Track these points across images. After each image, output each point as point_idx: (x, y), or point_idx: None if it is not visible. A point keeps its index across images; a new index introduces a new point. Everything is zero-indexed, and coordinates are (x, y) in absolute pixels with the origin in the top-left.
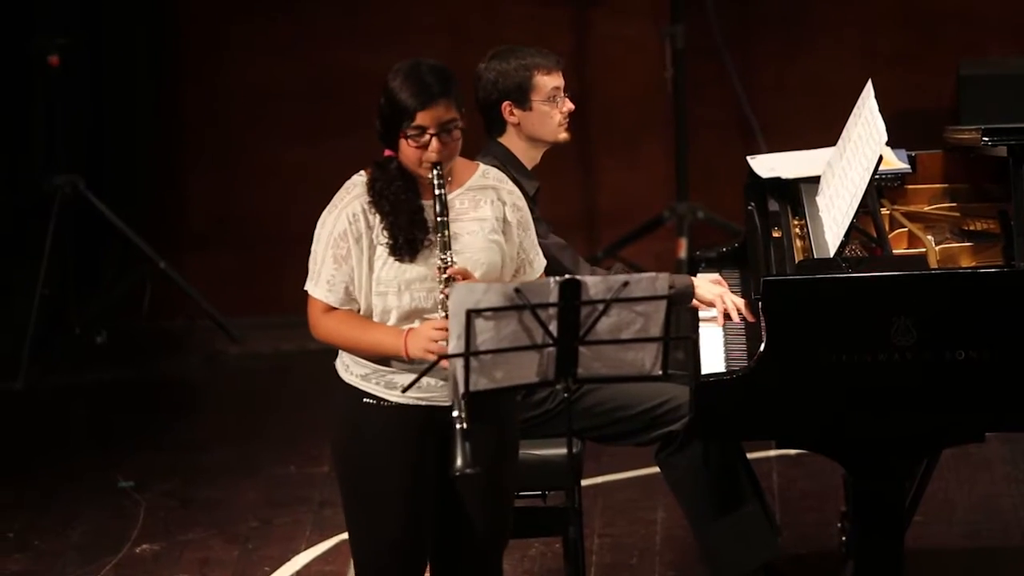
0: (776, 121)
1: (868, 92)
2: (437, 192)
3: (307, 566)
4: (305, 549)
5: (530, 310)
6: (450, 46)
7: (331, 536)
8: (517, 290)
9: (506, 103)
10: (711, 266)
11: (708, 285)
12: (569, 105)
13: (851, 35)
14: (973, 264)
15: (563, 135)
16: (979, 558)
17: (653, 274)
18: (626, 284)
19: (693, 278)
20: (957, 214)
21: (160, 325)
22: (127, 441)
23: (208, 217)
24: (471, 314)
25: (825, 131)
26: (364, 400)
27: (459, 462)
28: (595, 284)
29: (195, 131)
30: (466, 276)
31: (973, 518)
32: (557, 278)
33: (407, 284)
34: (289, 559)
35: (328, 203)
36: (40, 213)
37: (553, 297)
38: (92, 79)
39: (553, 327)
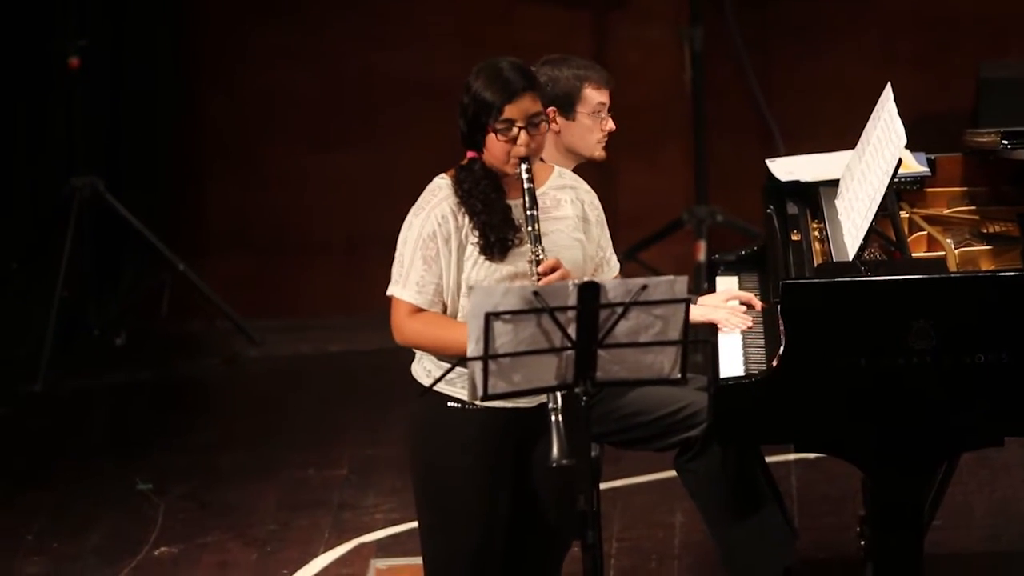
0: (795, 124)
1: (887, 95)
2: (527, 186)
3: (325, 569)
4: (323, 552)
5: (548, 313)
6: (467, 50)
7: (350, 539)
8: (536, 293)
9: (551, 109)
10: (730, 270)
11: (699, 310)
12: (611, 124)
13: (870, 38)
14: (992, 267)
15: (599, 153)
16: (998, 562)
17: (672, 277)
18: (645, 287)
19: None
20: (976, 217)
21: (179, 327)
22: (146, 443)
23: (228, 219)
24: (490, 317)
25: (844, 134)
26: (448, 404)
27: (556, 453)
28: (614, 287)
29: (215, 133)
30: (557, 268)
31: (992, 522)
32: (575, 281)
33: (497, 283)
34: (308, 562)
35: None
36: (60, 215)
37: (572, 300)
38: (112, 81)
39: (572, 330)
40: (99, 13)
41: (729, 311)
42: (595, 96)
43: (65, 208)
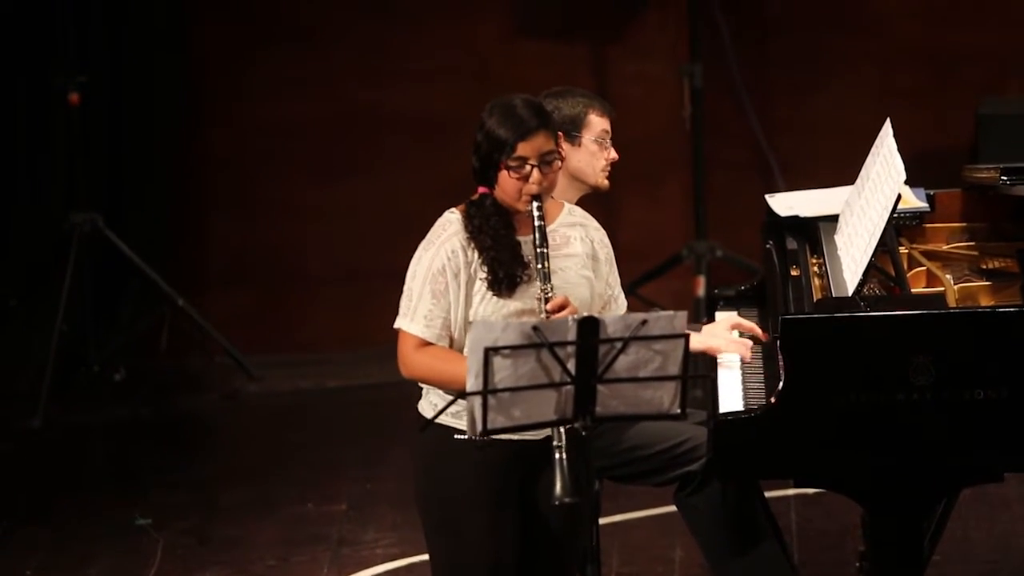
0: (794, 159)
1: (886, 131)
2: (537, 224)
3: None
4: None
5: (548, 348)
6: (471, 85)
7: (349, 574)
8: (535, 328)
9: (558, 134)
10: (729, 305)
11: (699, 337)
12: (614, 154)
13: (869, 73)
14: (991, 303)
15: (604, 181)
16: None
17: (671, 312)
18: (644, 322)
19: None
20: (975, 253)
21: (178, 363)
22: (145, 479)
23: (227, 255)
24: (489, 352)
25: (843, 170)
26: (456, 437)
27: (558, 491)
28: (613, 322)
29: (214, 169)
30: (566, 306)
31: (991, 558)
32: (575, 316)
33: (505, 319)
34: None
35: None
36: (59, 250)
37: (571, 335)
38: (112, 117)
39: (571, 365)
40: (98, 49)
41: (730, 338)
42: (599, 122)
43: (64, 244)
